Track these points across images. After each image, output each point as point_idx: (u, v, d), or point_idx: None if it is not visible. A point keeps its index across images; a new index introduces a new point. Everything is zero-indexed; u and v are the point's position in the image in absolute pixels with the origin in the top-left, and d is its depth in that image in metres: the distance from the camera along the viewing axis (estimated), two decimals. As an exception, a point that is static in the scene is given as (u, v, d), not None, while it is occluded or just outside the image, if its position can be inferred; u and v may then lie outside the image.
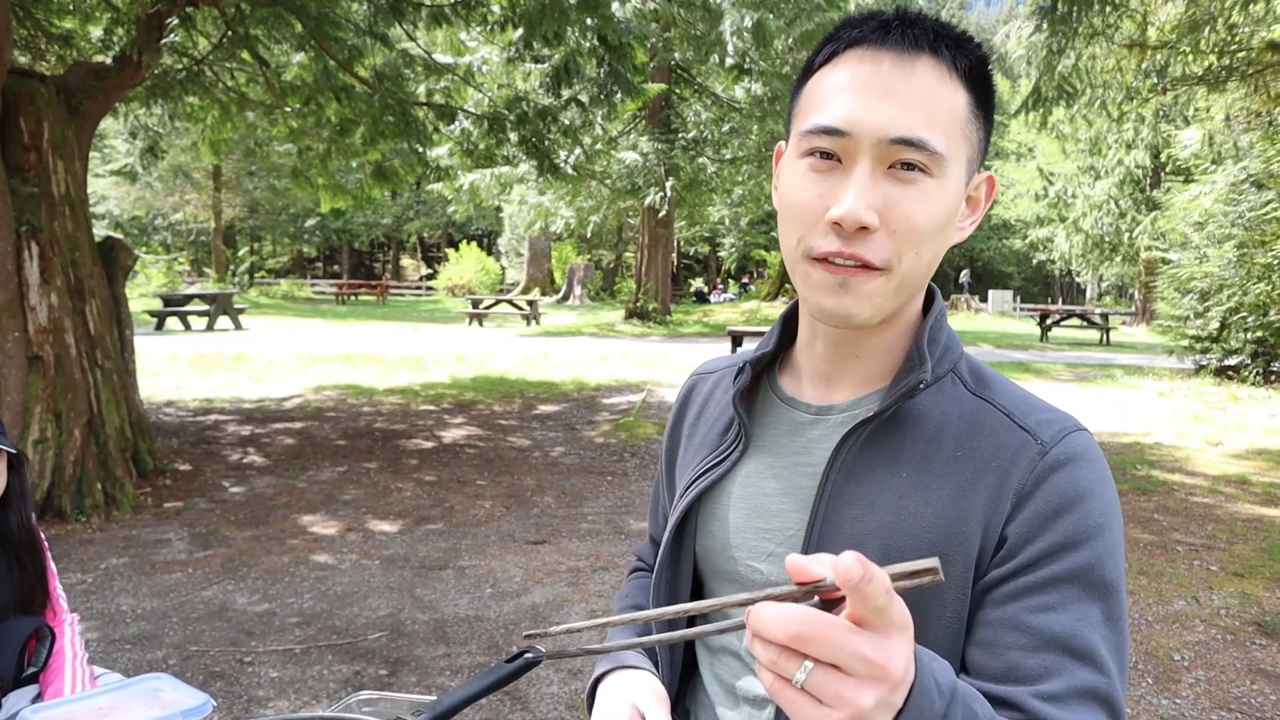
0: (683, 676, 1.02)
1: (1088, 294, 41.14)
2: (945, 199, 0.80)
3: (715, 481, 0.96)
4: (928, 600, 0.80)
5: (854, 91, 0.79)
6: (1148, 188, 27.37)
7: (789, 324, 0.99)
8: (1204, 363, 13.31)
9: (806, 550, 0.86)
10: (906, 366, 0.85)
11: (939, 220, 0.80)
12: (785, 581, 0.87)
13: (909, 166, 0.78)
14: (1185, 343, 13.57)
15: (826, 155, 0.80)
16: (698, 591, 1.01)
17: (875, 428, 0.85)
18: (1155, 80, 9.81)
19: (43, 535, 2.00)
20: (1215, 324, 12.78)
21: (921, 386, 0.83)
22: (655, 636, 0.68)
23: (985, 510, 0.80)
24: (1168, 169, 24.21)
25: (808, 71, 0.86)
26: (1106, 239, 28.91)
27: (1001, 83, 47.69)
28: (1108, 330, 22.06)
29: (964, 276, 36.81)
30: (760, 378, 1.00)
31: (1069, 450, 0.81)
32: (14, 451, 1.89)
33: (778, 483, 0.92)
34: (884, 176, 0.78)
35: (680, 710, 1.01)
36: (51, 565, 1.99)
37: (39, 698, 1.77)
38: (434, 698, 1.16)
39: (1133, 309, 30.88)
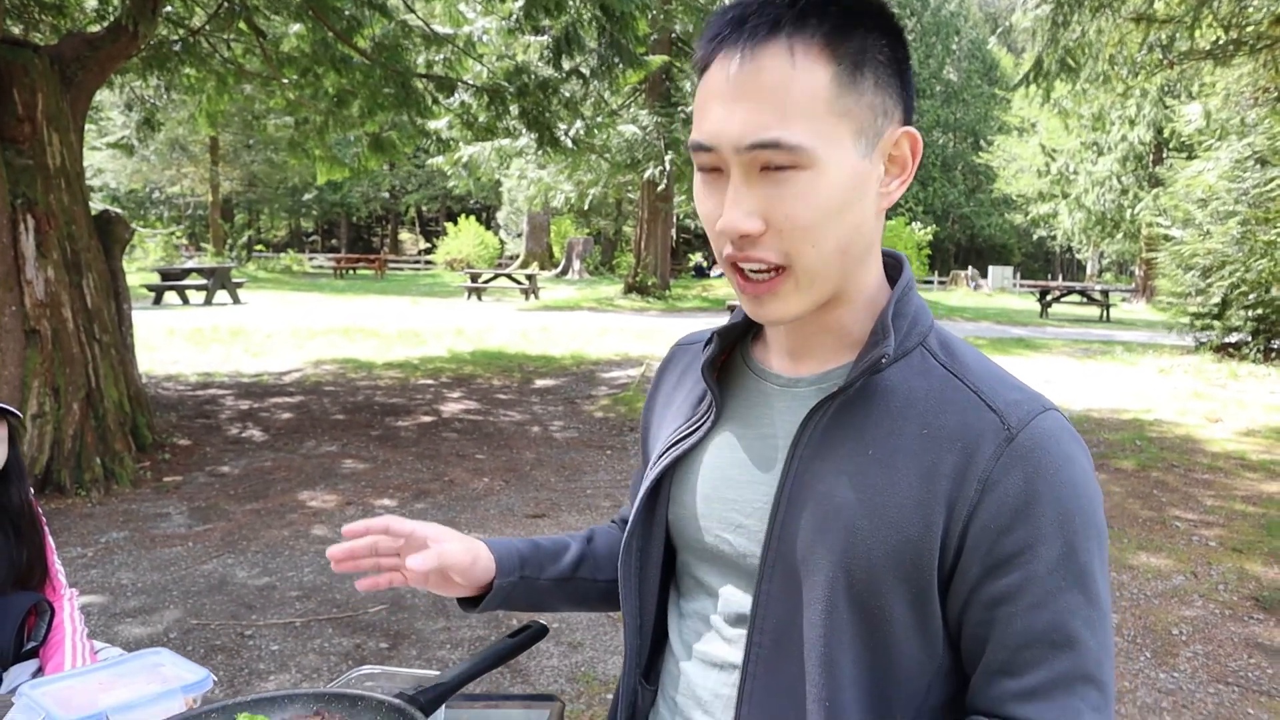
0: (653, 645, 1.02)
1: (1088, 270, 41.04)
2: (829, 185, 0.78)
3: (687, 451, 0.96)
4: (884, 580, 0.80)
5: (713, 101, 0.79)
6: (1150, 164, 27.23)
7: None
8: (1205, 339, 13.29)
9: (773, 526, 0.85)
10: (871, 341, 0.85)
11: (828, 209, 0.78)
12: (752, 554, 0.88)
13: (777, 167, 0.77)
14: (1186, 319, 13.53)
15: (711, 167, 0.81)
16: (669, 561, 1.01)
17: (842, 403, 0.85)
18: (1161, 55, 9.72)
19: (41, 510, 1.99)
20: (1216, 301, 12.73)
21: (884, 361, 0.82)
22: None
23: (950, 494, 0.79)
24: (1171, 145, 24.08)
25: (700, 76, 0.85)
26: (1108, 215, 28.80)
27: (1006, 57, 47.50)
28: (1108, 307, 22.03)
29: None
30: (734, 348, 1.00)
31: (1035, 435, 0.80)
32: (16, 415, 1.88)
33: (747, 454, 0.92)
34: (759, 180, 0.78)
35: (652, 677, 1.02)
36: (50, 540, 1.98)
37: (39, 672, 1.77)
38: (436, 673, 1.15)
39: (1133, 285, 30.83)
